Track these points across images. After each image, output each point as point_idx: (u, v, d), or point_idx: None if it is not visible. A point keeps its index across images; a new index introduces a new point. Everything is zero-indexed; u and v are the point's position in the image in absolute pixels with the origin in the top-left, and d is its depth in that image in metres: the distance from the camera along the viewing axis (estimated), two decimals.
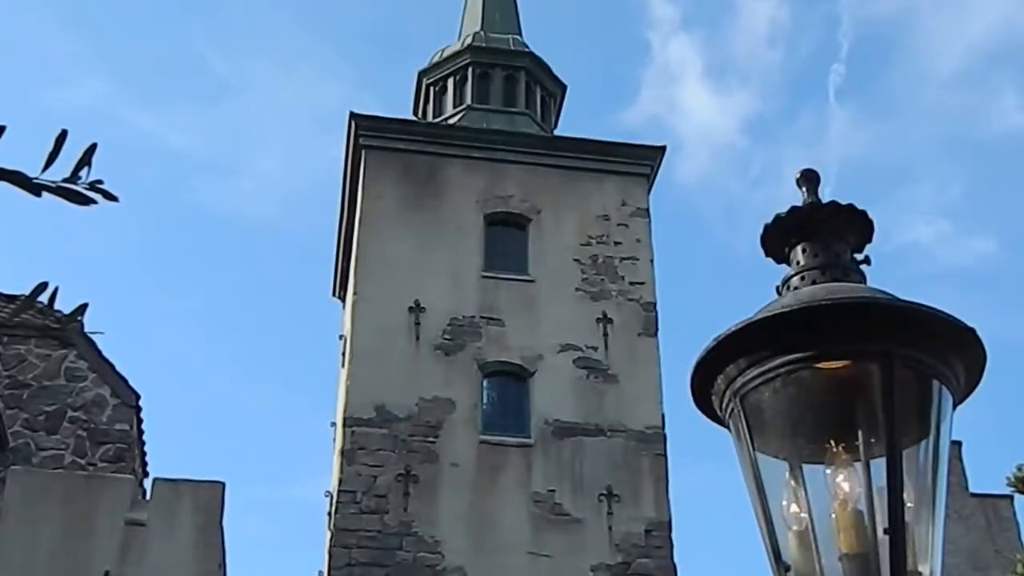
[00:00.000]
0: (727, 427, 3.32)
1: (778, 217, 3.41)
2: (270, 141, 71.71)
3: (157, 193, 64.42)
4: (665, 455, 25.09)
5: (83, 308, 3.48)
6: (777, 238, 3.44)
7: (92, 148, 3.21)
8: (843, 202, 3.40)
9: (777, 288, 3.38)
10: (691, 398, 3.35)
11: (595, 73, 66.19)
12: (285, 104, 70.64)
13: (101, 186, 3.21)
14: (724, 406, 3.28)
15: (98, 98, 60.83)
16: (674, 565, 24.05)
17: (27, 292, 3.45)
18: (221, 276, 70.41)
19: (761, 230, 3.45)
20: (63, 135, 3.14)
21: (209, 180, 70.93)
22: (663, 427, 25.42)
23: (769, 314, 3.14)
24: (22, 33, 66.49)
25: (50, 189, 3.15)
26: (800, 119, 70.03)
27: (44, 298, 3.42)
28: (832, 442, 3.12)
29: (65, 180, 3.16)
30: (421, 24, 66.34)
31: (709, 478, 51.94)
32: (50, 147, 3.12)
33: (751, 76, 70.10)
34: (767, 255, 3.48)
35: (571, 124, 61.83)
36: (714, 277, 63.10)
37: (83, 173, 3.18)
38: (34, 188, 3.14)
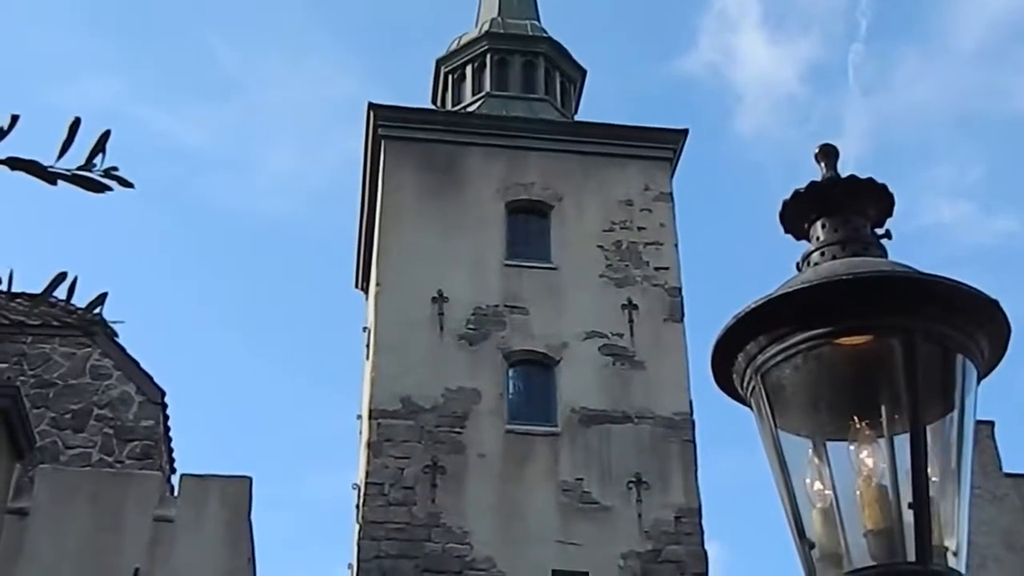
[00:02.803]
0: (749, 406, 3.30)
1: (797, 192, 3.37)
2: (284, 136, 71.85)
3: (173, 191, 64.61)
4: (694, 441, 24.99)
5: (102, 298, 3.50)
6: (796, 214, 3.41)
7: (106, 135, 3.22)
8: (862, 176, 3.36)
9: (797, 264, 3.35)
10: (712, 377, 3.33)
11: (650, 18, 65.82)
12: (298, 98, 70.73)
13: (116, 173, 3.23)
14: (745, 384, 3.26)
15: (109, 97, 61.04)
16: (705, 552, 23.98)
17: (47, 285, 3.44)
18: (242, 272, 70.57)
19: (780, 206, 3.42)
20: (76, 123, 3.14)
21: (224, 177, 71.07)
22: (691, 413, 25.30)
23: (789, 290, 3.11)
24: (31, 33, 66.75)
25: (65, 177, 3.17)
26: (862, 68, 69.24)
27: (63, 289, 3.42)
28: (855, 418, 3.09)
29: (80, 168, 3.18)
30: (435, 13, 66.17)
31: (739, 465, 51.92)
32: (64, 135, 3.14)
33: (811, 23, 69.28)
34: (787, 231, 3.45)
35: (621, 72, 61.91)
36: (767, 240, 62.37)
37: (97, 160, 3.20)
38: (49, 177, 3.16)
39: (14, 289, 3.48)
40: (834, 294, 3.06)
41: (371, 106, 28.43)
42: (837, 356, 3.09)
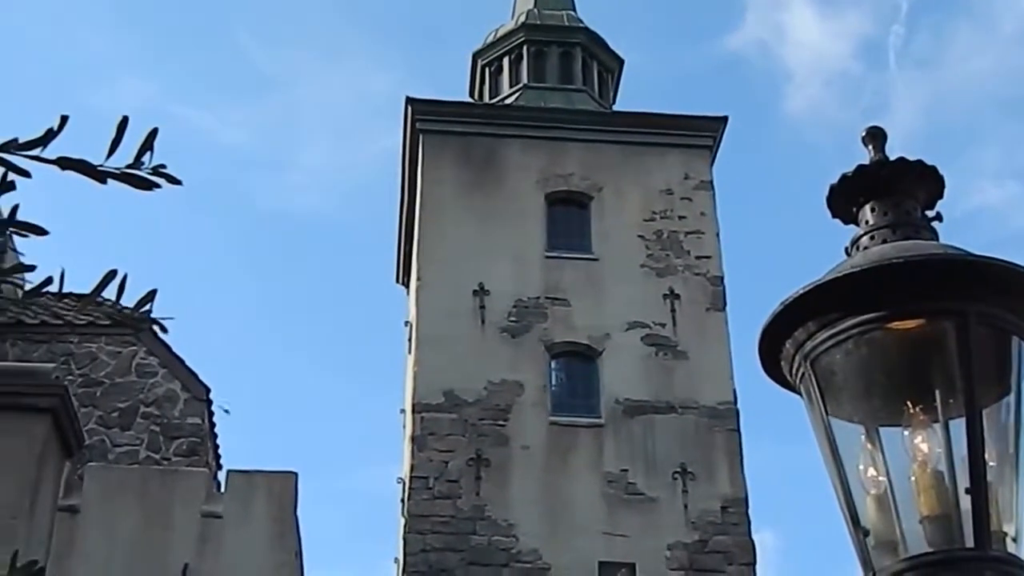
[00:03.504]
0: (798, 393, 3.27)
1: (844, 176, 3.35)
2: (322, 133, 72.14)
3: (212, 189, 64.95)
4: (739, 430, 24.88)
5: (152, 295, 3.47)
6: (844, 198, 3.38)
7: (153, 133, 3.22)
8: (911, 158, 3.34)
9: (846, 249, 3.33)
10: (760, 365, 3.31)
11: None
12: (335, 95, 70.88)
13: (164, 170, 3.24)
14: (794, 371, 3.23)
15: (146, 97, 61.42)
16: (752, 542, 23.87)
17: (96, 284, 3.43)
18: (283, 269, 70.90)
19: (827, 191, 3.40)
20: (125, 121, 3.16)
21: (263, 174, 71.47)
22: (735, 402, 25.19)
23: (838, 275, 3.09)
24: (67, 36, 67.28)
25: (114, 176, 3.18)
26: (914, 41, 68.58)
27: (113, 288, 3.39)
28: (909, 403, 3.07)
29: (129, 166, 3.18)
30: (471, 6, 66.30)
31: (789, 453, 51.70)
32: (112, 134, 3.14)
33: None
34: (834, 216, 3.42)
35: (664, 54, 61.63)
36: (815, 224, 61.87)
37: (145, 158, 3.21)
38: (99, 175, 3.17)
39: (64, 288, 3.48)
40: (885, 278, 3.04)
41: (409, 100, 28.46)
42: (889, 341, 3.07)
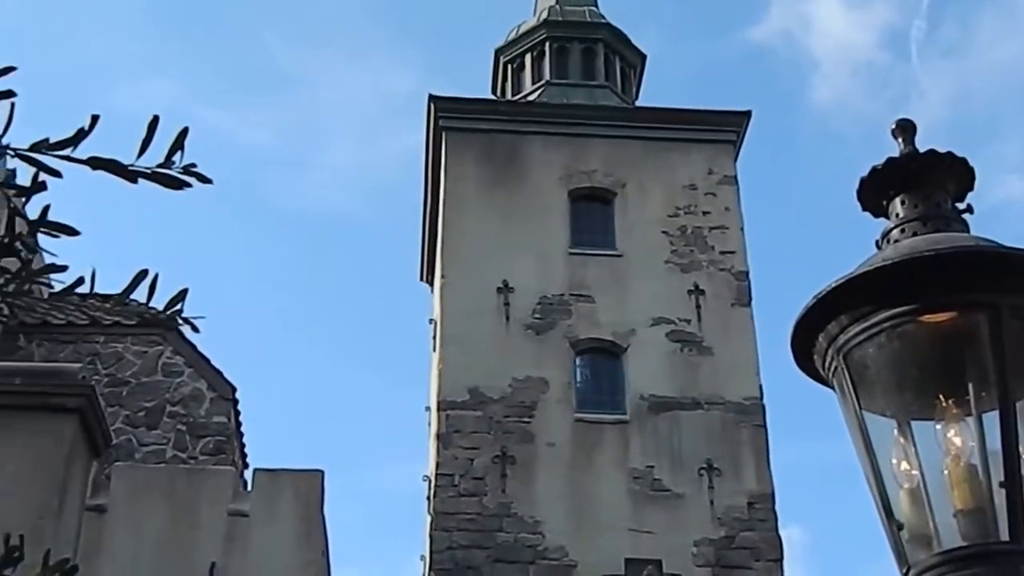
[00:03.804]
0: (831, 387, 3.27)
1: (874, 169, 3.34)
2: (344, 132, 72.22)
3: (236, 189, 65.06)
4: (765, 426, 24.81)
5: (183, 294, 3.48)
6: (874, 191, 3.38)
7: (184, 132, 3.23)
8: (942, 150, 3.33)
9: (876, 242, 3.32)
10: (792, 359, 3.31)
11: None
12: (357, 94, 70.95)
13: (195, 169, 3.24)
14: (827, 365, 3.24)
15: (169, 98, 61.59)
16: (779, 538, 23.80)
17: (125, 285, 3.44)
18: (307, 267, 71.02)
19: (857, 184, 3.39)
20: (155, 121, 3.16)
21: (286, 173, 71.55)
22: (761, 398, 25.12)
23: (870, 268, 3.09)
24: (90, 36, 67.53)
25: (145, 175, 3.18)
26: (939, 30, 68.12)
27: (144, 288, 3.40)
28: (941, 397, 3.07)
29: (159, 166, 3.19)
30: (493, 2, 66.18)
31: (816, 448, 51.49)
32: (143, 134, 3.15)
33: None
34: (864, 209, 3.41)
35: (688, 46, 61.38)
36: (841, 216, 61.31)
37: (176, 158, 3.21)
38: (130, 175, 3.17)
39: (94, 289, 3.49)
40: (917, 271, 3.03)
41: (431, 98, 28.47)
42: (922, 334, 3.07)
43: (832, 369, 3.22)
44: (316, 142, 72.80)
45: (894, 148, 3.38)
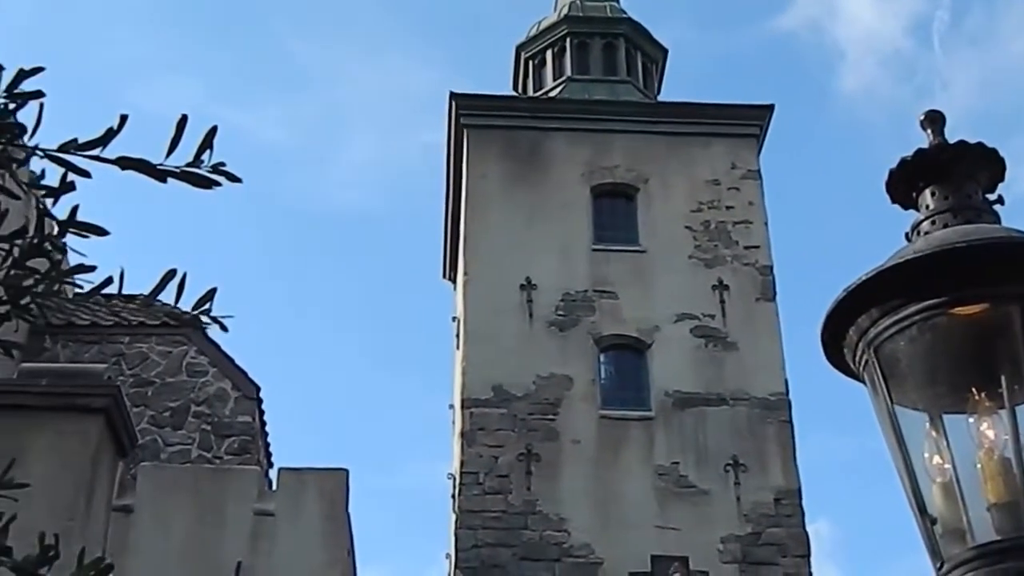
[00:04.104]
0: (861, 381, 3.25)
1: (904, 161, 3.32)
2: (365, 130, 72.26)
3: (257, 188, 65.16)
4: (791, 421, 24.68)
5: (212, 293, 3.46)
6: (904, 183, 3.35)
7: (212, 131, 3.22)
8: (971, 140, 3.31)
9: (906, 234, 3.29)
10: (822, 353, 3.29)
11: None
12: (377, 91, 71.02)
13: (224, 168, 3.24)
14: (857, 359, 3.21)
15: (188, 97, 61.70)
16: (806, 533, 23.68)
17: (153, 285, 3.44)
18: (329, 266, 71.16)
19: (886, 176, 3.37)
20: (184, 120, 3.16)
21: (307, 172, 71.64)
22: (787, 393, 25.00)
23: (900, 260, 3.06)
24: (106, 36, 67.68)
25: (174, 175, 3.19)
26: (966, 18, 67.69)
27: (173, 287, 3.40)
28: (973, 389, 3.04)
29: (188, 165, 3.19)
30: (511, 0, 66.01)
31: (838, 445, 51.30)
32: (171, 133, 3.15)
33: None
34: (894, 201, 3.39)
35: (713, 35, 61.13)
36: (869, 207, 60.76)
37: (205, 157, 3.21)
38: (159, 175, 3.18)
39: (123, 289, 3.45)
40: (948, 263, 3.02)
41: (453, 95, 28.43)
42: (953, 326, 3.05)
43: (863, 363, 3.20)
44: (336, 140, 72.93)
45: (923, 139, 3.37)
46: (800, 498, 23.91)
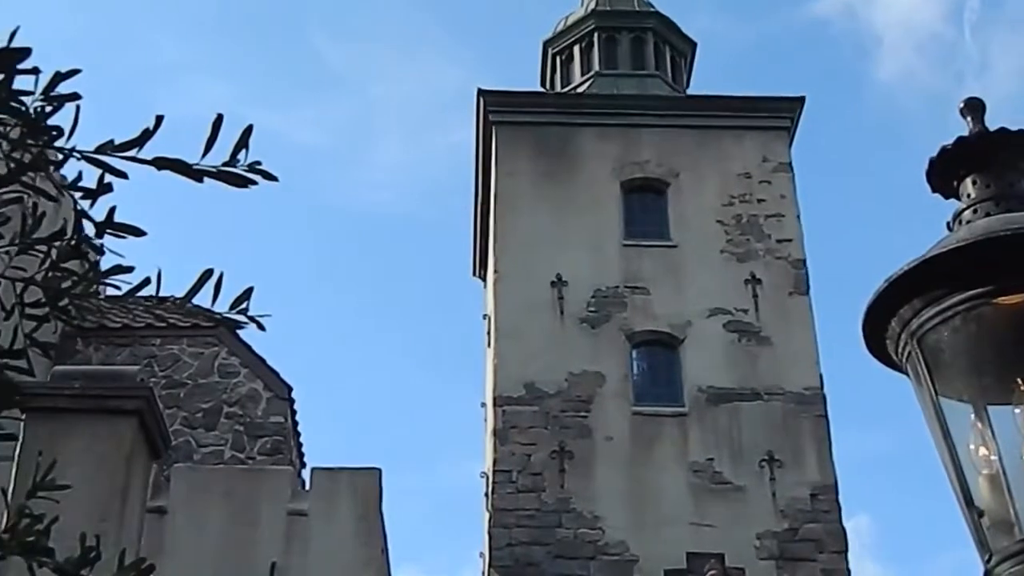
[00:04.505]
0: (904, 372, 3.20)
1: (944, 149, 3.26)
2: (394, 129, 72.22)
3: (287, 188, 65.19)
4: (826, 416, 24.49)
5: (249, 292, 3.45)
6: (944, 172, 3.30)
7: (248, 130, 3.20)
8: (1012, 127, 3.24)
9: (948, 224, 3.24)
10: (863, 344, 3.24)
11: None
12: (406, 90, 71.00)
13: (260, 167, 3.23)
14: (900, 350, 3.16)
15: (217, 99, 61.88)
16: (843, 529, 23.47)
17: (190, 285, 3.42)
18: (359, 265, 71.22)
19: (926, 165, 3.32)
20: (219, 120, 3.15)
21: (337, 172, 71.72)
22: (822, 387, 24.82)
23: (943, 250, 3.01)
24: (136, 38, 67.89)
25: (211, 174, 3.18)
26: (977, 27, 67.19)
27: (210, 287, 3.40)
28: (1019, 380, 2.98)
29: (225, 164, 3.18)
30: None
31: (873, 439, 51.00)
32: (207, 133, 3.14)
33: None
34: (934, 191, 3.34)
35: (746, 22, 60.71)
36: (905, 197, 60.19)
37: (241, 156, 3.19)
38: (195, 174, 3.17)
39: (160, 289, 3.46)
40: (992, 251, 2.96)
41: (481, 92, 28.36)
42: (998, 316, 2.99)
43: (906, 354, 3.16)
44: (366, 140, 73.00)
45: (963, 127, 3.32)
46: (836, 493, 23.72)
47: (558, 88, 31.36)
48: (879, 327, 3.17)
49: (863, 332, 3.21)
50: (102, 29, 65.56)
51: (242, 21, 70.85)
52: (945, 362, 3.08)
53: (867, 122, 63.87)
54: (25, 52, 2.62)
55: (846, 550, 23.27)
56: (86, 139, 3.18)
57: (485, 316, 28.89)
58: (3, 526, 3.50)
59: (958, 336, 3.02)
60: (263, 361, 19.21)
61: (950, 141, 3.26)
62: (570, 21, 32.25)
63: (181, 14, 69.02)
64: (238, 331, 17.40)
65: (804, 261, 26.32)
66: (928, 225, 3.28)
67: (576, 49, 31.65)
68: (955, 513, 3.06)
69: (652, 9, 32.11)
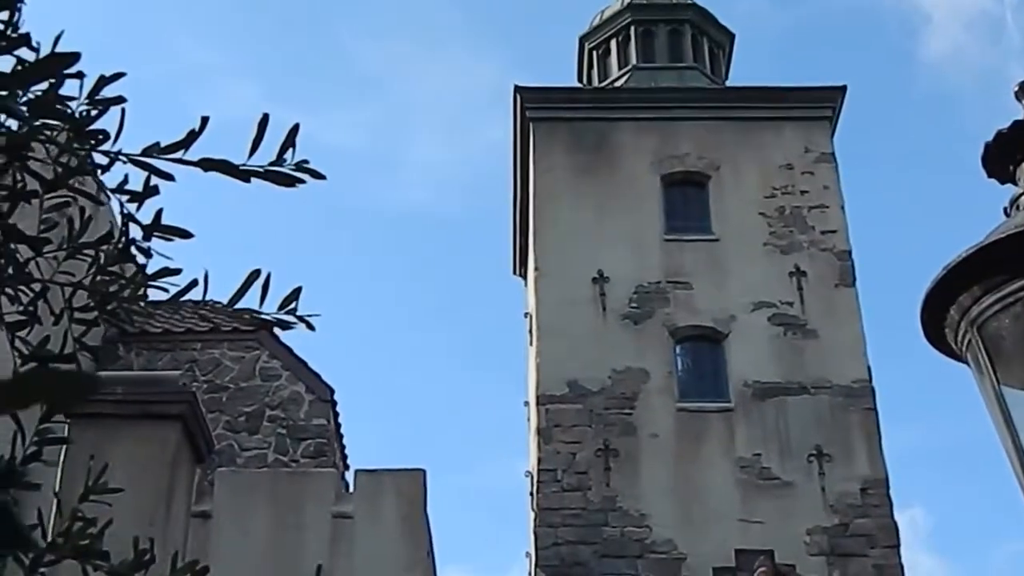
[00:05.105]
0: (964, 361, 3.12)
1: (1000, 134, 3.16)
2: (428, 128, 72.14)
3: (323, 191, 65.21)
4: (875, 409, 24.18)
5: (297, 292, 3.43)
6: (1000, 156, 3.20)
7: (295, 129, 3.15)
8: None
9: (1005, 209, 3.14)
10: (922, 333, 3.15)
11: None
12: (439, 89, 70.92)
13: (307, 166, 3.17)
14: (960, 339, 3.08)
15: (250, 101, 62.05)
16: (895, 523, 23.16)
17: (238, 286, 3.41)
18: (398, 266, 71.28)
19: (981, 149, 3.22)
20: (265, 119, 3.10)
21: (372, 173, 71.77)
22: (870, 380, 24.50)
23: (1002, 236, 2.92)
24: (168, 41, 68.12)
25: (258, 174, 3.12)
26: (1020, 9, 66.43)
27: (257, 288, 3.38)
28: None
29: (271, 163, 3.13)
30: None
31: (922, 433, 50.51)
32: (253, 132, 3.09)
33: None
34: (990, 176, 3.24)
35: (791, 4, 59.94)
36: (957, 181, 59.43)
37: (287, 155, 3.14)
38: (242, 175, 3.12)
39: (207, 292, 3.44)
40: None
41: (517, 89, 28.21)
42: None
43: (966, 343, 3.08)
44: (400, 140, 72.98)
45: (1018, 110, 3.21)
46: (887, 487, 23.42)
47: (595, 83, 31.20)
48: (937, 316, 3.10)
49: (921, 321, 3.13)
50: (131, 33, 65.78)
51: (271, 22, 71.05)
52: (1006, 350, 3.00)
53: (915, 103, 63.14)
54: (74, 57, 2.56)
55: (898, 545, 22.99)
56: (124, 143, 3.18)
57: (526, 314, 28.75)
58: (52, 530, 3.56)
59: (1019, 323, 2.95)
60: (304, 364, 19.20)
61: (1006, 125, 3.17)
62: (606, 15, 32.08)
63: (210, 17, 69.25)
64: (281, 333, 17.30)
65: (849, 252, 25.99)
66: (983, 211, 3.13)
67: (613, 43, 31.48)
68: (1013, 505, 2.94)
69: (689, 1, 31.85)
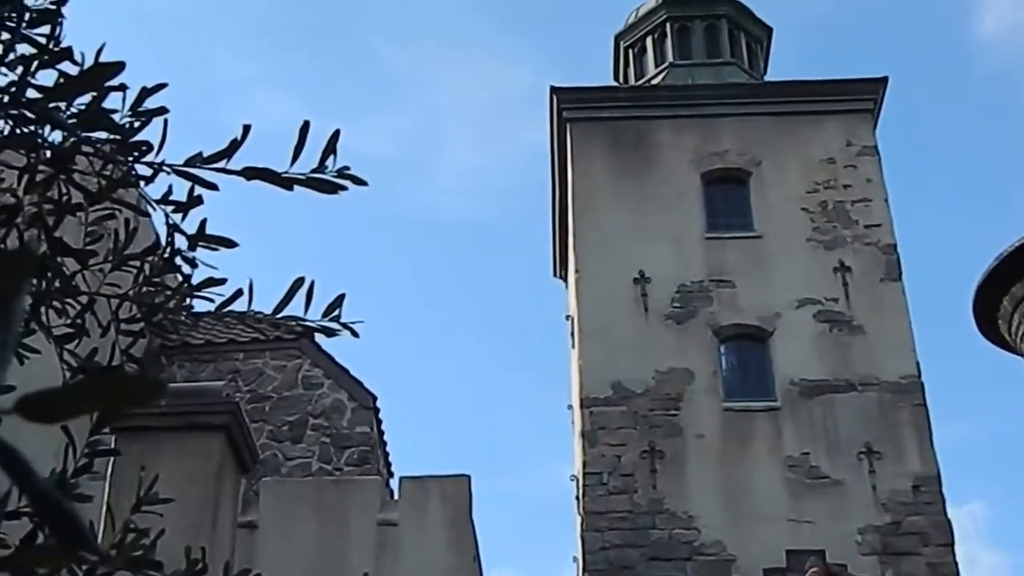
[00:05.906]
0: (1019, 352, 2.82)
1: None
2: (463, 132, 72.02)
3: (363, 198, 65.43)
4: (925, 404, 23.83)
5: (341, 299, 3.45)
6: None
7: (335, 135, 3.18)
8: None
9: None
10: (974, 325, 2.87)
11: None
12: (473, 92, 70.76)
13: (349, 172, 3.19)
14: (1014, 329, 2.79)
15: (283, 110, 62.09)
16: (948, 521, 22.79)
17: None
18: (439, 272, 71.23)
19: None
20: (306, 126, 3.10)
21: (410, 179, 71.75)
22: (919, 375, 24.13)
23: None
24: (200, 58, 68.33)
25: (300, 182, 3.13)
26: None
27: (301, 296, 3.39)
28: None
29: (314, 171, 3.15)
30: None
31: (975, 427, 49.99)
32: (295, 140, 3.11)
33: None
34: None
35: None
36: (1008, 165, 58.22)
37: (329, 162, 3.16)
38: (285, 183, 3.12)
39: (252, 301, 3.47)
40: None
41: (553, 89, 28.02)
42: None
43: (1020, 334, 2.78)
44: (434, 146, 72.91)
45: None
46: (940, 484, 23.05)
47: (632, 82, 31.00)
48: (990, 307, 2.90)
49: (974, 312, 2.95)
50: (168, 47, 66.09)
51: (303, 32, 71.12)
52: None
53: (964, 87, 62.19)
54: (119, 66, 2.47)
55: (952, 543, 22.61)
56: (167, 154, 3.20)
57: (568, 317, 28.57)
58: (104, 542, 3.57)
59: None
60: (346, 371, 19.17)
61: None
62: (641, 13, 31.86)
63: (243, 29, 69.46)
64: (322, 341, 17.19)
65: (895, 246, 25.63)
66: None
67: (649, 41, 31.26)
68: None
69: None
